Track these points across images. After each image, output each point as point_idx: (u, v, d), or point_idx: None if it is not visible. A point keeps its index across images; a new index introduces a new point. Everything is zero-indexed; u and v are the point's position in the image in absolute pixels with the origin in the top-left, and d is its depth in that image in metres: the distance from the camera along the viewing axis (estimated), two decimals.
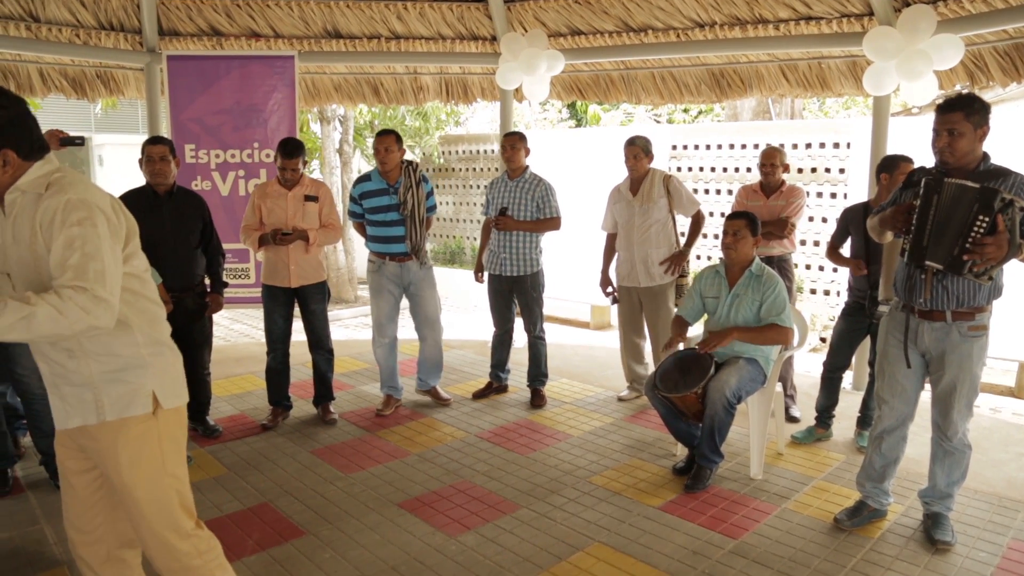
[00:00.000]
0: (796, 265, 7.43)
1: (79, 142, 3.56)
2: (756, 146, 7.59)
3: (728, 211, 4.76)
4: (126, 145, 11.13)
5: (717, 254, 7.65)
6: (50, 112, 9.31)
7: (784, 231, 4.44)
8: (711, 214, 7.71)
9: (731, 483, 3.68)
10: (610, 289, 4.97)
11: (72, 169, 1.99)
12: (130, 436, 1.99)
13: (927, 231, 2.82)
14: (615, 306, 5.04)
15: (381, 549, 3.05)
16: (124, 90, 6.56)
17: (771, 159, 4.57)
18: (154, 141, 3.97)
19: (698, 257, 8.14)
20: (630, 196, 4.73)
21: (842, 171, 7.09)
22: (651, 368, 4.97)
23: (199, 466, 3.88)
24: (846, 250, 4.17)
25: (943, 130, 2.81)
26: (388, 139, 4.43)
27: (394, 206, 4.49)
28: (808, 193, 7.29)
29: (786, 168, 4.64)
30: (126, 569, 2.21)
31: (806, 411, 4.58)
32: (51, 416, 3.36)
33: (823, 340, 6.59)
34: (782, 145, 7.47)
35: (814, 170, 7.24)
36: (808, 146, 7.31)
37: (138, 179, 4.02)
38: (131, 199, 3.99)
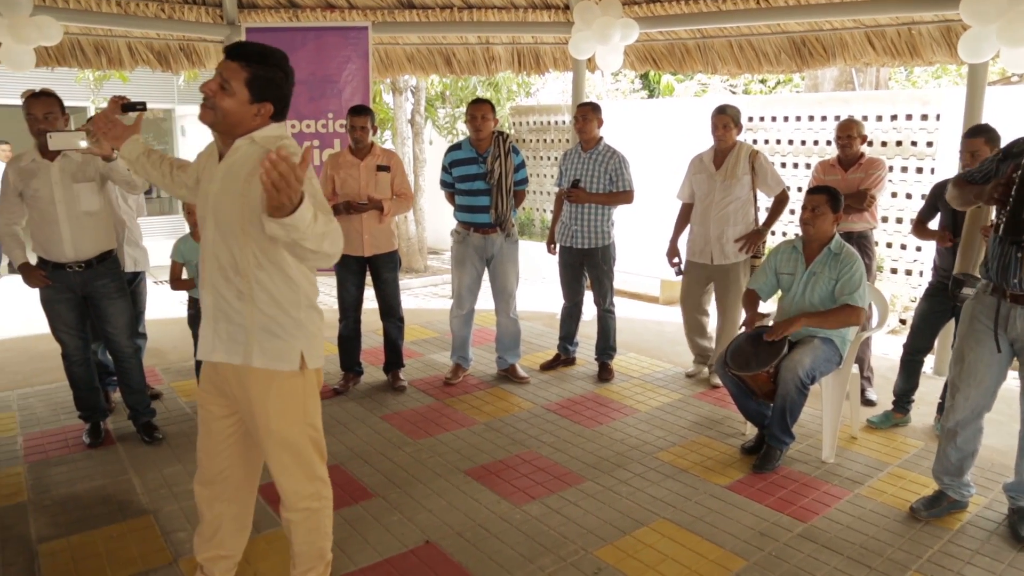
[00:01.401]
0: (876, 243, 7.15)
1: (140, 107, 3.74)
2: (837, 118, 7.28)
3: (806, 186, 4.59)
4: None
5: (794, 230, 7.43)
6: (136, 84, 9.67)
7: (864, 203, 4.25)
8: (788, 189, 7.46)
9: (802, 465, 3.60)
10: (676, 260, 4.86)
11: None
12: (279, 389, 2.16)
13: None
14: (676, 279, 4.94)
15: (447, 514, 3.11)
16: (205, 62, 6.76)
17: (847, 131, 4.38)
18: None
19: (773, 233, 7.92)
20: (712, 169, 4.56)
21: (930, 144, 6.75)
22: (715, 341, 4.90)
23: None
24: (934, 226, 3.99)
25: None
26: (485, 107, 4.45)
27: (481, 175, 4.50)
28: (892, 168, 6.98)
29: (864, 140, 4.44)
30: (237, 510, 2.41)
31: (883, 395, 4.43)
32: (140, 373, 3.55)
33: (903, 322, 6.34)
34: (865, 117, 7.18)
35: (899, 143, 6.92)
36: (894, 118, 6.97)
37: None
38: None
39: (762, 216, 4.64)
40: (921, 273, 6.81)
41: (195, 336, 3.96)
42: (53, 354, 3.98)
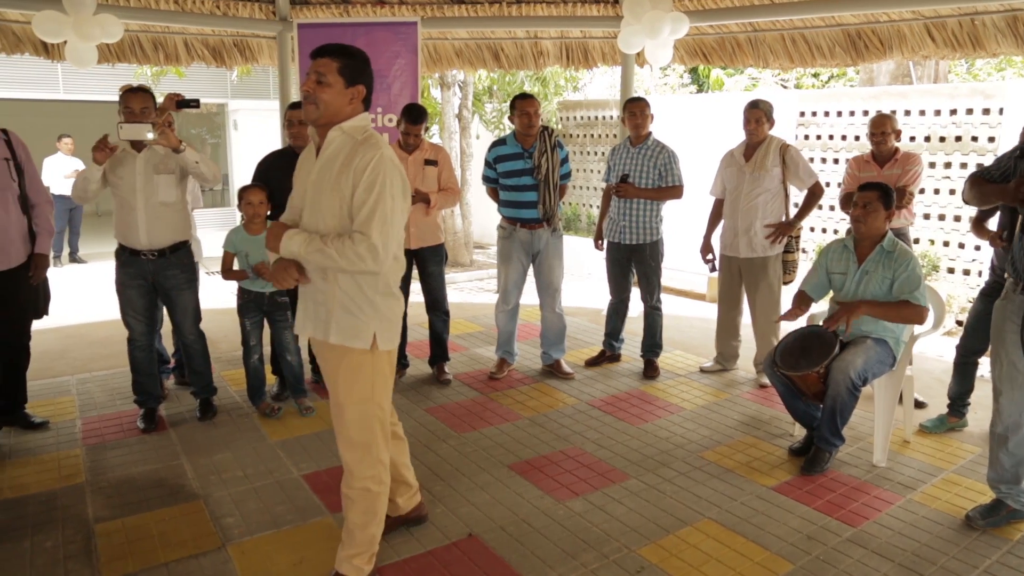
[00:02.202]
0: (917, 240, 6.94)
1: (195, 105, 3.98)
2: (894, 112, 7.07)
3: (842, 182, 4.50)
4: (259, 111, 11.72)
5: (844, 227, 7.25)
6: (191, 80, 9.92)
7: (902, 201, 4.14)
8: (839, 185, 7.29)
9: (852, 468, 3.52)
10: (710, 256, 4.83)
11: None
12: (350, 364, 2.37)
13: None
14: (712, 276, 4.90)
15: (491, 508, 3.13)
16: (258, 58, 6.88)
17: (881, 127, 4.30)
18: (295, 106, 4.15)
19: (812, 229, 7.74)
20: (742, 161, 4.55)
21: (991, 140, 6.51)
22: (745, 344, 4.84)
23: (319, 417, 4.10)
24: (993, 225, 3.85)
25: None
26: (536, 102, 4.46)
27: (528, 170, 4.50)
28: (951, 164, 6.76)
29: (898, 135, 4.33)
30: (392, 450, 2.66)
31: (939, 398, 4.30)
32: (203, 356, 3.79)
33: (959, 323, 6.14)
34: (922, 112, 6.96)
35: (959, 139, 6.69)
36: (953, 112, 6.75)
37: (269, 142, 4.22)
38: (273, 159, 4.24)
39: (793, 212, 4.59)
40: (980, 273, 6.59)
41: (243, 325, 4.06)
42: (112, 341, 4.12)
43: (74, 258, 9.64)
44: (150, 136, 3.45)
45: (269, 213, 4.20)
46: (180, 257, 3.84)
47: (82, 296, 7.18)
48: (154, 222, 3.69)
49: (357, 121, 2.33)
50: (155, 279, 3.80)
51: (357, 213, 2.22)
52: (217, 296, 7.12)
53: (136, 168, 3.64)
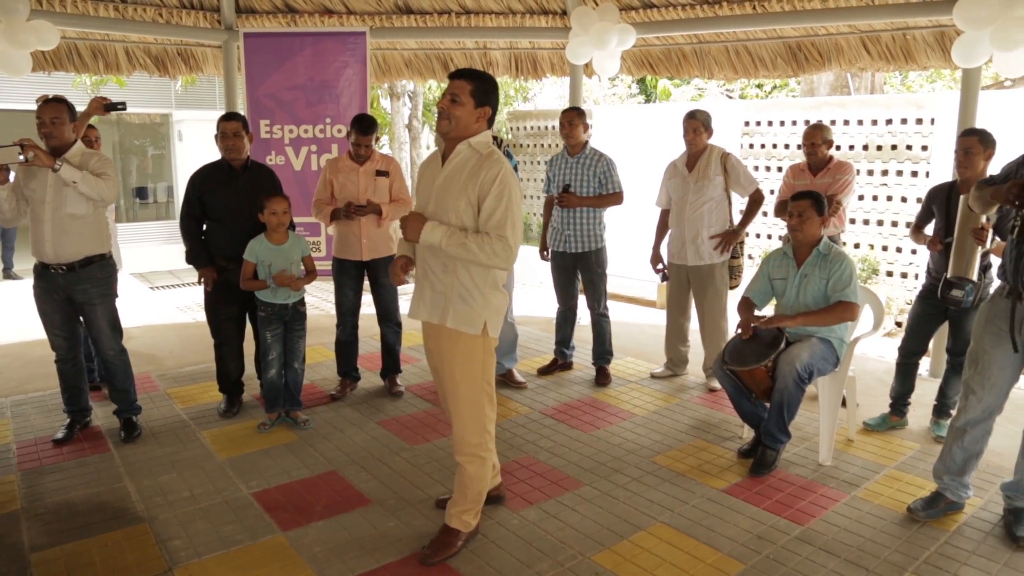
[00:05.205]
0: (857, 245, 7.17)
1: (122, 107, 4.01)
2: (833, 122, 7.31)
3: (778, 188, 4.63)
4: (204, 121, 11.48)
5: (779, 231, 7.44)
6: (133, 89, 9.68)
7: (830, 210, 4.29)
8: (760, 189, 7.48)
9: (799, 468, 3.60)
10: (660, 266, 4.92)
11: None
12: (463, 347, 2.68)
13: None
14: (664, 283, 5.00)
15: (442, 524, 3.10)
16: (203, 67, 6.76)
17: (812, 138, 4.46)
18: (228, 117, 4.10)
19: (758, 236, 7.94)
20: (686, 172, 4.64)
21: (925, 148, 6.77)
22: (693, 350, 4.95)
23: (269, 434, 4.02)
24: (930, 231, 4.00)
25: None
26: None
27: None
28: (887, 172, 7.00)
29: (831, 145, 4.49)
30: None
31: (880, 398, 4.43)
32: (123, 372, 3.79)
33: (899, 324, 6.35)
34: (860, 121, 7.20)
35: (895, 147, 6.95)
36: (888, 122, 7.00)
37: (215, 153, 4.15)
38: (207, 173, 4.15)
39: (737, 218, 4.71)
40: (916, 276, 6.83)
41: (263, 338, 3.99)
42: (49, 360, 3.98)
43: (8, 274, 9.29)
44: (21, 159, 3.38)
45: (205, 228, 4.13)
46: (92, 272, 3.70)
47: (17, 313, 6.92)
48: (61, 235, 3.58)
49: (482, 137, 2.66)
50: (68, 294, 3.69)
51: (489, 218, 2.55)
52: (163, 311, 6.95)
53: (48, 180, 3.54)
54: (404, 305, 5.71)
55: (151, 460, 3.69)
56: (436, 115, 2.66)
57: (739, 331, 3.73)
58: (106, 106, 4.02)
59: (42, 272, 3.67)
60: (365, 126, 4.35)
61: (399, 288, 4.60)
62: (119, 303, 4.01)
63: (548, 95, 14.20)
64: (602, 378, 4.90)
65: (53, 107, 3.54)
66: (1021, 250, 2.76)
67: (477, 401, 2.73)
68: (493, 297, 2.69)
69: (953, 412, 3.44)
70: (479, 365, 2.71)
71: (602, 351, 4.93)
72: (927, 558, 2.82)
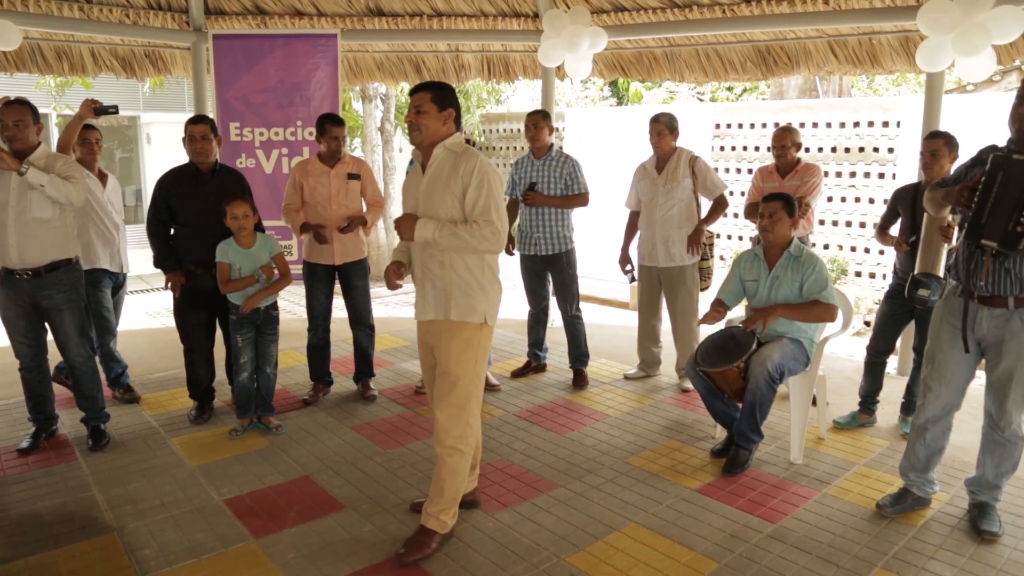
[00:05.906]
0: (827, 246, 7.28)
1: (113, 110, 3.95)
2: (802, 124, 7.42)
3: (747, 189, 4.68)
4: (173, 123, 11.33)
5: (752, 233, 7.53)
6: (100, 91, 9.51)
7: (799, 212, 4.35)
8: (726, 192, 7.57)
9: (771, 467, 3.64)
10: (629, 267, 4.94)
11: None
12: (462, 336, 2.78)
13: (987, 208, 2.70)
14: (633, 285, 5.03)
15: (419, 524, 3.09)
16: (171, 69, 6.68)
17: (780, 140, 4.52)
18: (196, 120, 4.05)
19: (728, 237, 8.02)
20: (655, 174, 4.68)
21: (891, 150, 6.90)
22: (666, 351, 4.99)
23: (241, 440, 3.98)
24: (895, 232, 4.07)
25: None
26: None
27: None
28: (855, 173, 7.12)
29: (799, 147, 4.56)
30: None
31: (850, 396, 4.50)
32: (91, 379, 3.75)
33: (867, 324, 6.45)
34: (828, 124, 7.31)
35: (862, 149, 7.06)
36: (856, 125, 7.12)
37: (184, 156, 4.10)
38: (175, 176, 4.10)
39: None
40: (884, 276, 6.95)
41: (234, 342, 3.95)
42: (11, 368, 3.90)
43: None
44: None
45: (173, 232, 4.07)
46: (58, 277, 3.63)
47: None
48: (26, 240, 3.52)
49: (455, 138, 2.80)
50: (33, 300, 3.62)
51: (475, 206, 2.68)
52: (132, 317, 6.84)
53: (11, 183, 3.47)
54: (377, 309, 5.69)
55: (120, 468, 3.63)
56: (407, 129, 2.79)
57: (702, 323, 3.77)
58: (96, 109, 3.95)
59: (6, 278, 3.59)
60: (336, 118, 4.37)
61: (371, 291, 4.60)
62: (123, 305, 3.93)
63: (521, 98, 14.23)
64: (580, 380, 4.91)
65: (16, 109, 3.47)
66: (972, 250, 2.82)
67: (467, 392, 2.79)
68: (491, 287, 2.83)
69: None
70: (475, 352, 2.80)
71: (578, 353, 4.95)
72: (896, 553, 2.87)
